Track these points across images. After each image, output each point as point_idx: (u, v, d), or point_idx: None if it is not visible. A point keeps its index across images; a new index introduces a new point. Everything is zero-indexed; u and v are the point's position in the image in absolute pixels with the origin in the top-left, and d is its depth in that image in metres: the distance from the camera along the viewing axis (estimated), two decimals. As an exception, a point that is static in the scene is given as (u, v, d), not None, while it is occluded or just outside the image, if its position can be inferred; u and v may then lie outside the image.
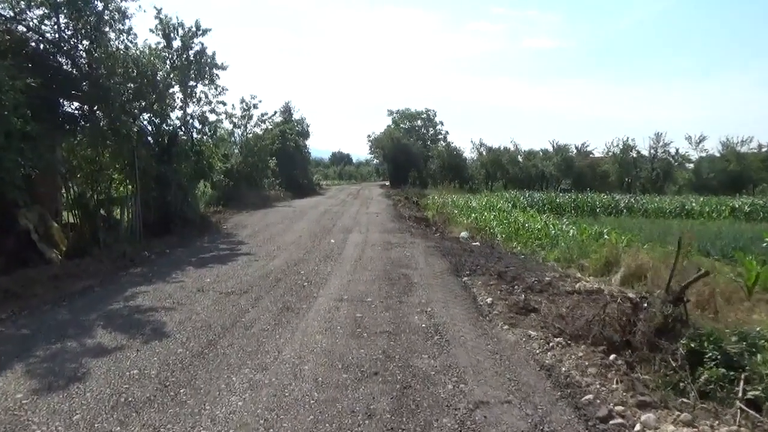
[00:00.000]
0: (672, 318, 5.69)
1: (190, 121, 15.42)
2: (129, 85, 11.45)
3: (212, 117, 15.84)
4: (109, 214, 11.76)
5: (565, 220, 20.72)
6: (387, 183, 63.68)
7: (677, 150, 56.92)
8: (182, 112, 15.04)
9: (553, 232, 16.24)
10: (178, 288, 8.22)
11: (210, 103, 15.61)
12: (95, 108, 11.09)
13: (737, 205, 26.61)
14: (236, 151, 25.61)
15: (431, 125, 74.20)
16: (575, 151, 63.64)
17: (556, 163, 59.71)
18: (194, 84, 14.97)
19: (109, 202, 11.68)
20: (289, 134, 36.28)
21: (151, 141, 13.65)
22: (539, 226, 17.21)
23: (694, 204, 27.27)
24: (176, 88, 14.70)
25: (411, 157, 60.98)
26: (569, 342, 5.89)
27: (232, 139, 25.63)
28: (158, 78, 12.79)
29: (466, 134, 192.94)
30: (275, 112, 27.98)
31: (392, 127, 69.41)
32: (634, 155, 58.43)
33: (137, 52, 12.03)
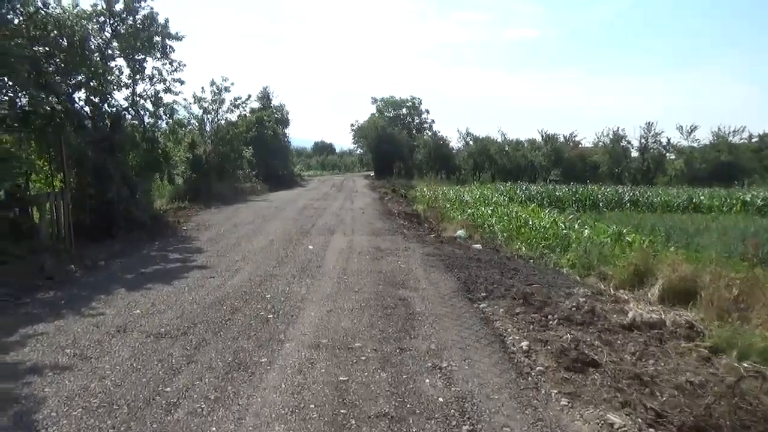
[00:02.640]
0: None
1: (141, 102, 12.94)
2: (39, 49, 8.96)
3: (168, 98, 13.38)
4: (25, 216, 9.31)
5: (570, 215, 18.69)
6: (372, 174, 61.37)
7: (668, 140, 55.49)
8: (130, 91, 12.55)
9: (564, 231, 14.16)
10: (91, 326, 5.92)
11: (164, 80, 13.16)
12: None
13: (748, 199, 24.82)
14: (206, 139, 23.04)
15: (417, 114, 71.93)
16: (564, 140, 61.84)
17: (545, 154, 57.91)
18: (142, 57, 12.46)
19: (24, 201, 9.22)
20: (266, 121, 33.71)
21: (90, 126, 11.20)
22: (546, 224, 15.09)
23: (702, 197, 25.40)
24: (120, 62, 12.23)
25: (396, 146, 58.76)
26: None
27: (200, 125, 23.03)
28: (91, 46, 10.37)
29: (452, 123, 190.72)
30: (249, 96, 25.31)
31: (376, 115, 67.01)
32: (625, 145, 56.94)
33: (59, 10, 9.53)
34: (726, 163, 50.32)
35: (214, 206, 18.95)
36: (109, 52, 11.63)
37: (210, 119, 23.53)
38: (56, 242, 9.46)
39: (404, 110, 71.50)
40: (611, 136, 55.94)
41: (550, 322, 6.51)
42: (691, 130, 54.51)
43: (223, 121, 24.33)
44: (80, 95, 10.99)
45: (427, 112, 71.81)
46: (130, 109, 12.65)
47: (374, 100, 71.07)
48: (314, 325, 6.02)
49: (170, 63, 13.21)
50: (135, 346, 5.30)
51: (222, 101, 23.91)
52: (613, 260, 11.02)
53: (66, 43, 9.55)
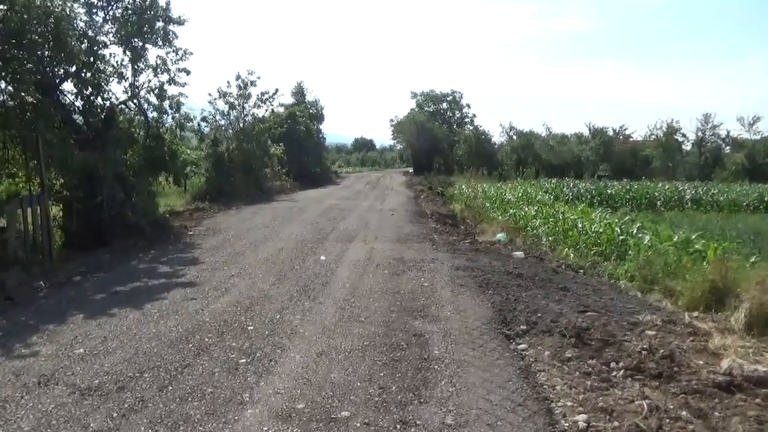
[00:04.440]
0: None
1: (144, 94, 11.73)
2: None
3: (173, 90, 12.12)
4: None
5: (625, 216, 16.66)
6: (410, 170, 59.78)
7: (728, 132, 51.70)
8: (129, 83, 11.34)
9: (620, 237, 12.30)
10: (10, 375, 4.58)
11: (168, 71, 11.93)
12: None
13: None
14: (231, 135, 21.93)
15: (457, 108, 69.74)
16: (613, 134, 58.64)
17: (593, 148, 54.92)
18: (141, 44, 11.20)
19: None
20: (299, 117, 32.53)
21: (81, 121, 10.05)
22: (599, 228, 13.22)
23: (776, 195, 22.72)
24: (115, 49, 11.01)
25: (436, 142, 57.08)
26: None
27: (225, 121, 21.96)
28: (77, 29, 9.18)
29: (494, 118, 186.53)
30: (276, 91, 23.92)
31: (416, 110, 65.22)
32: (679, 138, 53.47)
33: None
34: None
35: (235, 207, 17.77)
36: (101, 38, 10.45)
37: (235, 115, 22.41)
38: (31, 253, 8.29)
39: (444, 105, 69.47)
40: (665, 129, 52.51)
41: (614, 374, 4.84)
42: (754, 122, 50.62)
43: (249, 117, 23.22)
44: (69, 87, 9.85)
45: (468, 106, 69.58)
46: (129, 102, 11.48)
47: (414, 95, 69.29)
48: (294, 377, 4.53)
49: (174, 51, 11.95)
50: (47, 410, 3.94)
51: (248, 96, 22.78)
52: (681, 273, 9.21)
53: (41, 27, 8.34)
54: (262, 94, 23.41)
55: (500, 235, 13.69)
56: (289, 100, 37.51)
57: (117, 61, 11.07)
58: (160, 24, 11.40)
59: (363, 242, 11.05)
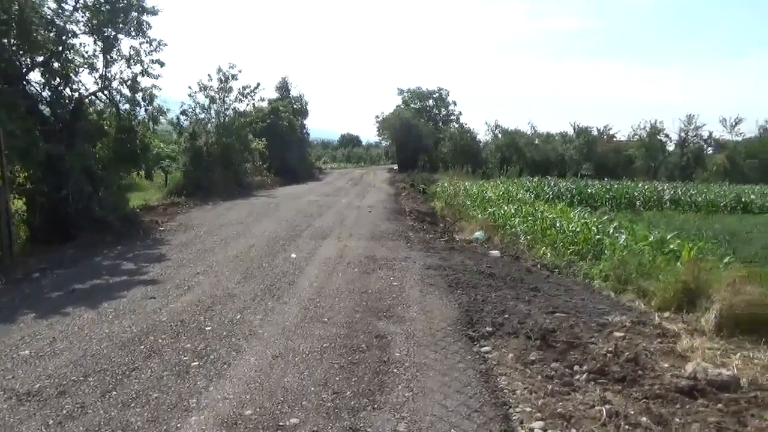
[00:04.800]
0: None
1: (117, 86, 11.41)
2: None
3: (147, 82, 11.81)
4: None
5: (604, 216, 16.65)
6: (395, 167, 59.60)
7: (710, 134, 52.21)
8: (100, 74, 11.00)
9: (596, 236, 12.23)
10: (-55, 377, 4.39)
11: (141, 62, 11.61)
12: None
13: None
14: (211, 129, 21.59)
15: (443, 105, 69.70)
16: (597, 133, 58.97)
17: (577, 147, 55.22)
18: (113, 34, 10.87)
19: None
20: (282, 112, 32.18)
21: (49, 112, 9.74)
22: (576, 228, 13.15)
23: (753, 196, 22.86)
24: (86, 39, 10.67)
25: (421, 139, 56.85)
26: None
27: (205, 115, 21.61)
28: (44, 17, 8.86)
29: (480, 116, 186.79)
30: (258, 85, 23.50)
31: (402, 107, 65.01)
32: (662, 139, 53.89)
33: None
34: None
35: (212, 202, 17.49)
36: (71, 27, 10.12)
37: (216, 108, 22.07)
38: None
39: (431, 102, 69.39)
40: (648, 129, 52.90)
41: (577, 378, 4.73)
42: (735, 123, 51.18)
43: (230, 111, 22.87)
44: (36, 77, 9.54)
45: (455, 103, 69.59)
46: (100, 93, 11.16)
47: (400, 91, 69.09)
48: (246, 381, 4.36)
49: (148, 42, 11.64)
50: (-25, 419, 3.73)
51: (229, 90, 22.43)
52: (655, 273, 9.15)
53: (4, 15, 8.03)
54: (244, 88, 23.09)
55: (478, 233, 13.60)
56: (274, 95, 37.19)
57: (87, 52, 10.76)
58: (134, 14, 11.09)
59: (337, 239, 10.89)
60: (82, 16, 10.39)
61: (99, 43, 10.78)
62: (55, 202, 9.40)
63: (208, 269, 8.16)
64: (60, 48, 9.60)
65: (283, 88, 37.62)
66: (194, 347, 5.06)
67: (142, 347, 5.05)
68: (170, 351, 4.96)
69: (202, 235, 11.15)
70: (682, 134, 52.04)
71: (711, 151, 54.15)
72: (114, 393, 4.12)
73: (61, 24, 9.86)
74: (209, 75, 21.88)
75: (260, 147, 26.78)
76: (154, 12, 11.46)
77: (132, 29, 11.19)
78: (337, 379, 4.43)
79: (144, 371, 4.52)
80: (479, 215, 17.01)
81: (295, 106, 36.64)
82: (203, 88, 21.49)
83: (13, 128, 8.25)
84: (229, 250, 9.64)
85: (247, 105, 23.47)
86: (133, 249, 9.60)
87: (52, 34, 9.47)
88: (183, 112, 21.21)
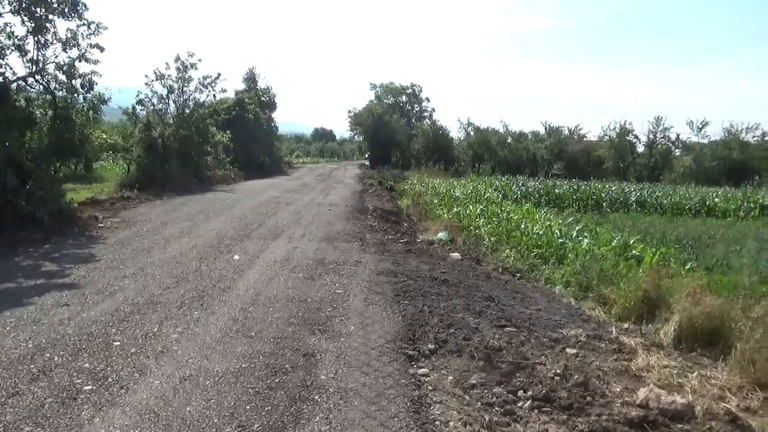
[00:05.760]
0: None
1: (52, 71, 10.58)
2: None
3: (86, 68, 11.00)
4: None
5: (570, 218, 16.39)
6: (367, 162, 59.01)
7: (678, 135, 52.87)
8: (30, 57, 10.16)
9: (559, 240, 11.91)
10: None
11: (78, 46, 10.80)
12: None
13: (768, 202, 22.39)
14: (168, 120, 20.70)
15: (416, 101, 69.46)
16: (568, 133, 59.31)
17: (548, 146, 55.41)
18: (44, 14, 10.04)
19: None
20: (248, 104, 31.30)
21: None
22: (540, 230, 12.81)
23: (717, 200, 22.94)
24: (11, 18, 9.83)
25: (393, 135, 56.39)
26: None
27: (162, 105, 20.70)
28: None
29: (453, 113, 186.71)
30: (218, 75, 22.53)
31: (374, 102, 64.42)
32: (632, 140, 54.35)
33: None
34: (737, 162, 47.71)
35: (167, 197, 16.68)
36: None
37: (174, 98, 21.17)
38: None
39: (404, 97, 69.03)
40: (618, 130, 53.26)
41: (520, 405, 4.28)
42: (702, 126, 51.81)
43: (190, 102, 21.99)
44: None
45: (428, 100, 69.41)
46: (30, 78, 10.33)
47: (373, 86, 68.56)
48: (141, 410, 3.78)
49: (86, 25, 10.82)
50: None
51: (188, 79, 21.53)
52: (616, 280, 8.83)
53: None
54: (204, 78, 22.19)
55: (441, 234, 13.20)
56: (241, 86, 36.25)
57: (13, 32, 9.89)
58: (62, -8, 10.25)
59: (288, 240, 10.30)
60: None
61: (28, 23, 9.94)
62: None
63: (138, 272, 7.50)
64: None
65: (251, 79, 36.67)
66: (93, 367, 4.44)
67: (32, 366, 4.41)
68: (63, 372, 4.34)
69: (143, 232, 10.44)
70: (651, 136, 52.59)
71: (678, 153, 54.86)
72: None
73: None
74: (167, 63, 20.98)
75: (224, 140, 25.91)
76: (89, -7, 10.64)
77: (66, 9, 10.35)
78: (248, 407, 3.88)
79: (25, 397, 3.90)
80: (445, 215, 16.59)
81: (262, 99, 35.77)
82: (160, 77, 20.54)
83: None
84: (168, 250, 8.98)
85: (207, 96, 22.60)
86: (62, 248, 8.86)
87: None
88: (139, 102, 20.25)
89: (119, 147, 19.03)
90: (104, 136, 16.13)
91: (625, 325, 7.23)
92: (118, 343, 4.98)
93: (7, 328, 5.24)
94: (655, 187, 28.30)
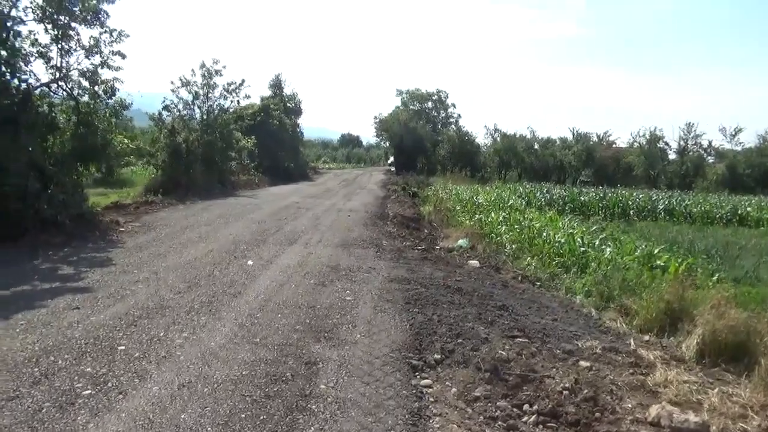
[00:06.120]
0: None
1: (77, 78, 10.81)
2: None
3: (108, 74, 11.23)
4: None
5: (594, 226, 16.02)
6: (392, 169, 58.93)
7: (710, 142, 51.52)
8: (54, 64, 10.38)
9: (581, 248, 11.64)
10: None
11: (101, 53, 11.02)
12: None
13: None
14: (193, 126, 21.02)
15: (443, 107, 69.27)
16: (597, 140, 58.27)
17: (576, 153, 54.58)
18: (66, 20, 10.24)
19: None
20: (273, 110, 31.60)
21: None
22: (562, 238, 12.54)
23: (749, 209, 22.19)
24: (35, 26, 10.05)
25: (419, 141, 56.21)
26: None
27: (188, 111, 21.05)
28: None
29: (480, 120, 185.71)
30: (242, 81, 22.80)
31: (400, 108, 64.43)
32: (662, 147, 53.16)
33: None
34: (774, 169, 46.27)
35: (189, 201, 16.89)
36: (17, 13, 9.52)
37: (199, 105, 21.48)
38: None
39: (430, 104, 68.95)
40: (647, 137, 52.17)
41: (524, 420, 4.14)
42: (735, 133, 50.43)
43: (215, 107, 22.28)
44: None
45: (454, 106, 69.17)
46: (54, 85, 10.55)
47: (399, 92, 68.68)
48: (136, 416, 3.75)
49: (108, 32, 11.04)
50: None
51: (213, 86, 21.85)
52: (639, 290, 8.57)
53: None
54: (229, 84, 22.48)
55: (461, 241, 13.06)
56: (268, 92, 36.63)
57: (37, 40, 10.14)
58: (92, 2, 10.46)
59: (304, 246, 10.28)
60: (31, 2, 9.79)
61: (52, 31, 10.18)
62: (-4, 200, 8.79)
63: (151, 276, 7.55)
64: (5, 35, 8.99)
65: (277, 85, 37.06)
66: (95, 371, 4.45)
67: (35, 370, 4.44)
68: (65, 375, 4.35)
69: (162, 237, 10.55)
70: (682, 142, 51.36)
71: (711, 161, 53.46)
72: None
73: (5, 9, 9.24)
74: (192, 70, 21.34)
75: (248, 145, 26.16)
76: (110, 0, 10.84)
77: (88, 17, 10.56)
78: (243, 416, 3.82)
79: (23, 401, 3.92)
80: (467, 222, 16.41)
81: (288, 105, 36.08)
82: (186, 84, 20.92)
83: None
84: (183, 255, 9.03)
85: (232, 102, 22.87)
86: (81, 251, 8.99)
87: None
88: (165, 108, 20.64)
89: (144, 152, 19.38)
90: (126, 141, 16.42)
91: (646, 338, 7.01)
92: (123, 347, 4.98)
93: (17, 330, 5.30)
94: (685, 195, 27.50)
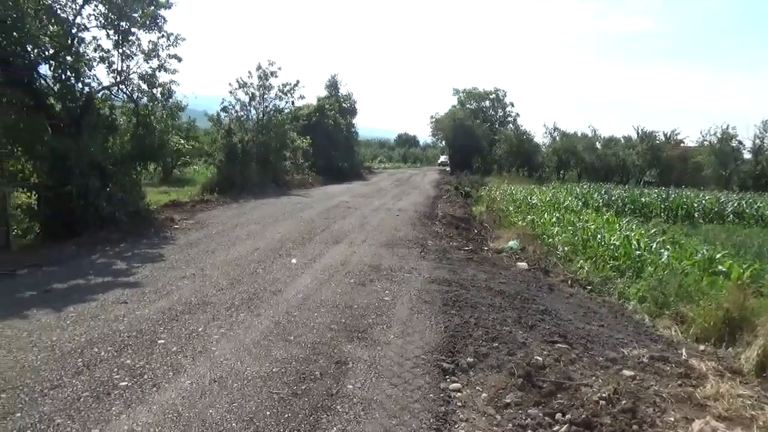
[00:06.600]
0: None
1: (136, 81, 11.33)
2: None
3: (165, 77, 11.71)
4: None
5: (653, 228, 15.29)
6: (447, 168, 58.51)
7: (789, 141, 48.17)
8: (114, 68, 10.92)
9: (637, 252, 11.15)
10: None
11: (158, 56, 11.49)
12: None
13: None
14: (249, 126, 21.62)
15: (500, 106, 68.12)
16: (663, 138, 55.68)
17: (640, 152, 52.41)
18: (127, 26, 10.75)
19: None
20: (328, 110, 32.00)
21: (60, 106, 9.69)
22: (617, 241, 12.05)
23: (830, 211, 20.63)
24: (97, 32, 10.61)
25: (475, 140, 55.53)
26: None
27: (245, 112, 21.67)
28: (51, 11, 8.75)
29: (539, 118, 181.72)
30: (297, 82, 23.25)
31: (456, 107, 63.84)
32: (736, 146, 50.14)
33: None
34: None
35: (243, 200, 17.35)
36: (81, 20, 10.06)
37: (255, 105, 22.06)
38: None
39: (487, 102, 67.98)
40: (719, 135, 49.33)
41: (556, 429, 3.97)
42: (818, 131, 46.89)
43: (271, 108, 22.80)
44: (47, 72, 9.50)
45: (512, 105, 67.89)
46: (114, 88, 11.08)
47: (456, 92, 68.00)
48: (166, 409, 3.86)
49: (165, 36, 11.50)
50: None
51: (269, 87, 22.37)
52: (697, 297, 8.12)
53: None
54: (284, 85, 22.97)
55: (512, 243, 12.79)
56: (323, 92, 37.12)
57: (100, 46, 10.70)
58: (150, 8, 10.94)
59: (348, 245, 10.34)
60: (94, 9, 10.34)
61: (113, 36, 10.70)
62: (60, 197, 9.32)
63: (198, 273, 7.78)
64: (70, 41, 9.51)
65: (332, 86, 37.47)
66: (133, 363, 4.62)
67: (79, 360, 4.65)
68: (106, 367, 4.53)
69: (213, 234, 10.88)
70: (757, 141, 48.30)
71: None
72: (17, 416, 3.71)
73: (69, 17, 9.78)
74: (249, 72, 21.93)
75: (303, 145, 26.61)
76: (167, 5, 11.29)
77: (147, 22, 11.04)
78: (268, 413, 3.86)
79: (64, 390, 4.11)
80: (520, 222, 16.06)
81: (343, 105, 36.43)
82: (242, 85, 21.53)
83: (16, 122, 8.16)
84: (231, 252, 9.27)
85: (287, 102, 23.34)
86: (135, 248, 9.38)
87: (55, 27, 9.37)
88: (223, 109, 21.32)
89: (203, 152, 20.09)
90: (182, 142, 17.06)
91: (701, 347, 6.63)
92: (163, 341, 5.15)
93: (68, 322, 5.57)
94: (759, 197, 25.84)
